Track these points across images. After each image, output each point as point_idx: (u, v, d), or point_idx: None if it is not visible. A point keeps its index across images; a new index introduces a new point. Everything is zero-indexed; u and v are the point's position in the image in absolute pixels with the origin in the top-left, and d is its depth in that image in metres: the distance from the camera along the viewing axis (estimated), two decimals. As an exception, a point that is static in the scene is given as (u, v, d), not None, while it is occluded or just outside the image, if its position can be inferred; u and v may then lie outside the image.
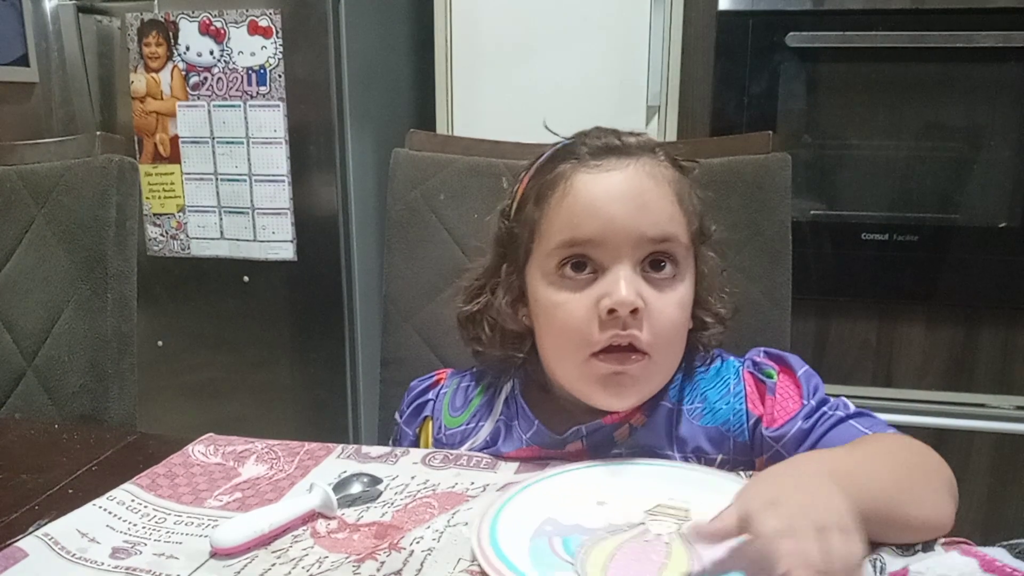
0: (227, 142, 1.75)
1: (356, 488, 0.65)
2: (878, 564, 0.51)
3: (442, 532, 0.57)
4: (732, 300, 0.75)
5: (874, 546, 0.52)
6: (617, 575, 0.53)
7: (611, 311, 0.63)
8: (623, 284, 0.63)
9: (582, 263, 0.66)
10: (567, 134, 0.73)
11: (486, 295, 0.74)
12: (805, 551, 0.45)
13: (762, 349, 0.74)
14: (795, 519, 0.46)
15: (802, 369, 0.70)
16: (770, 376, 0.70)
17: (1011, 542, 0.49)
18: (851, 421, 0.66)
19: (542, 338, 0.70)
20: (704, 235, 0.72)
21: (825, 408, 0.67)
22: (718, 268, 0.73)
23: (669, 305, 0.66)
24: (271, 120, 1.71)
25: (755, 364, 0.72)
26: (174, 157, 1.79)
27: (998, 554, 0.49)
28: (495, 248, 0.75)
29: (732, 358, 0.74)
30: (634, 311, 0.63)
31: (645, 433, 0.70)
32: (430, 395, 0.80)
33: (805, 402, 0.68)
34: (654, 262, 0.66)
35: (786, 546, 0.45)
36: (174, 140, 1.78)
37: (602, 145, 0.68)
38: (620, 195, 0.65)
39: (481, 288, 0.75)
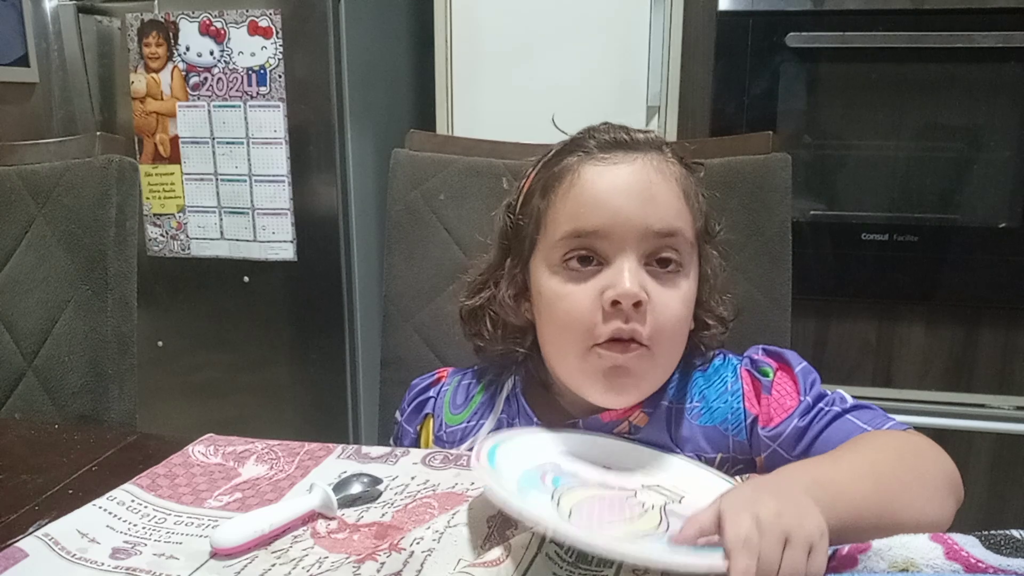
0: (227, 142, 1.75)
1: (356, 488, 0.65)
2: None
3: (442, 532, 0.57)
4: (734, 302, 0.75)
5: None
6: (585, 515, 0.56)
7: (614, 302, 0.63)
8: (627, 276, 0.63)
9: (587, 256, 0.66)
10: (569, 133, 0.73)
11: (489, 290, 0.74)
12: (766, 556, 0.46)
13: (761, 347, 0.73)
14: (766, 523, 0.47)
15: (800, 365, 0.70)
16: (766, 375, 0.70)
17: (986, 532, 0.50)
18: (848, 416, 0.66)
19: (544, 330, 0.70)
20: (709, 234, 0.72)
21: (821, 404, 0.67)
22: (721, 269, 0.73)
23: (673, 300, 0.66)
24: (271, 120, 1.71)
25: (753, 362, 0.72)
26: (174, 157, 1.79)
27: (969, 542, 0.49)
28: (499, 243, 0.75)
29: (729, 356, 0.74)
30: (637, 304, 0.63)
31: (646, 432, 0.70)
32: (431, 393, 0.80)
33: (802, 399, 0.67)
34: (659, 258, 0.66)
35: (743, 557, 0.46)
36: (174, 140, 1.78)
37: (610, 139, 0.68)
38: (627, 188, 0.65)
39: (484, 283, 0.75)
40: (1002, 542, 0.49)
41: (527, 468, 0.62)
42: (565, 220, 0.66)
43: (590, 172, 0.67)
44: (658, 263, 0.66)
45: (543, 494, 0.57)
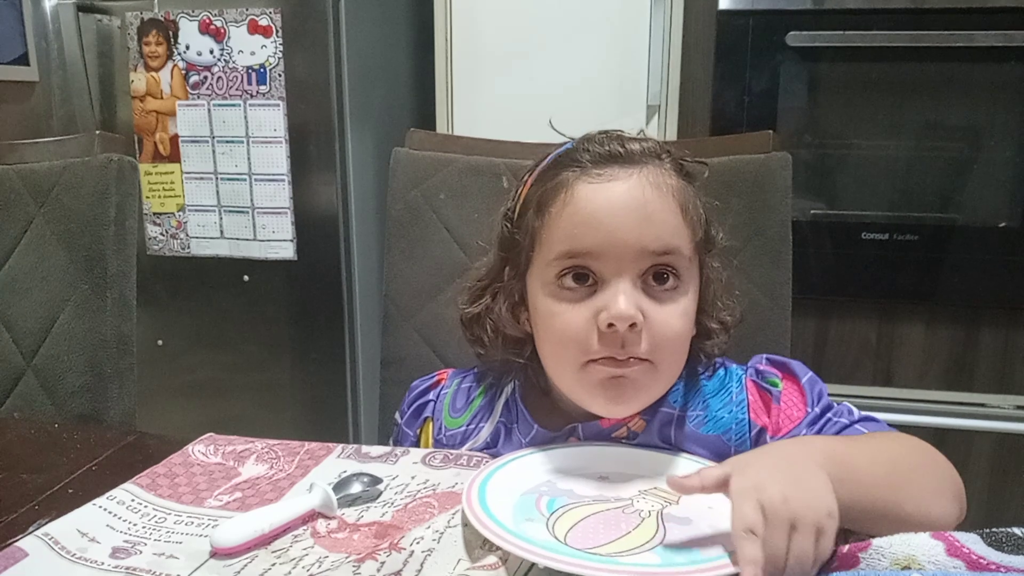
0: (227, 141, 1.75)
1: (356, 488, 0.64)
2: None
3: (442, 532, 0.57)
4: (739, 307, 0.74)
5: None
6: (581, 535, 0.56)
7: (610, 325, 0.62)
8: (622, 299, 0.62)
9: (582, 274, 0.65)
10: (567, 135, 0.72)
11: (488, 298, 0.74)
12: (772, 543, 0.47)
13: (764, 356, 0.73)
14: (771, 510, 0.48)
15: (806, 376, 0.69)
16: (775, 385, 0.70)
17: (988, 530, 0.50)
18: (856, 426, 0.66)
19: (541, 345, 0.70)
20: (710, 244, 0.71)
21: (830, 414, 0.67)
22: (723, 275, 0.73)
23: (671, 317, 0.65)
24: (271, 119, 1.71)
25: (758, 372, 0.71)
26: (174, 156, 1.79)
27: (970, 540, 0.49)
28: (498, 250, 0.74)
29: (733, 365, 0.74)
30: (632, 325, 0.62)
31: (644, 437, 0.70)
32: (430, 396, 0.80)
33: (809, 410, 0.67)
34: (656, 274, 0.65)
35: (749, 545, 0.47)
36: (174, 139, 1.78)
37: (605, 152, 0.66)
38: (622, 207, 0.64)
39: (483, 289, 0.75)
40: (1004, 540, 0.49)
41: (523, 493, 0.62)
42: (559, 240, 0.65)
43: (584, 190, 0.65)
44: (655, 279, 0.65)
45: (538, 524, 0.57)
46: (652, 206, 0.64)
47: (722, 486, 0.52)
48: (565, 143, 0.71)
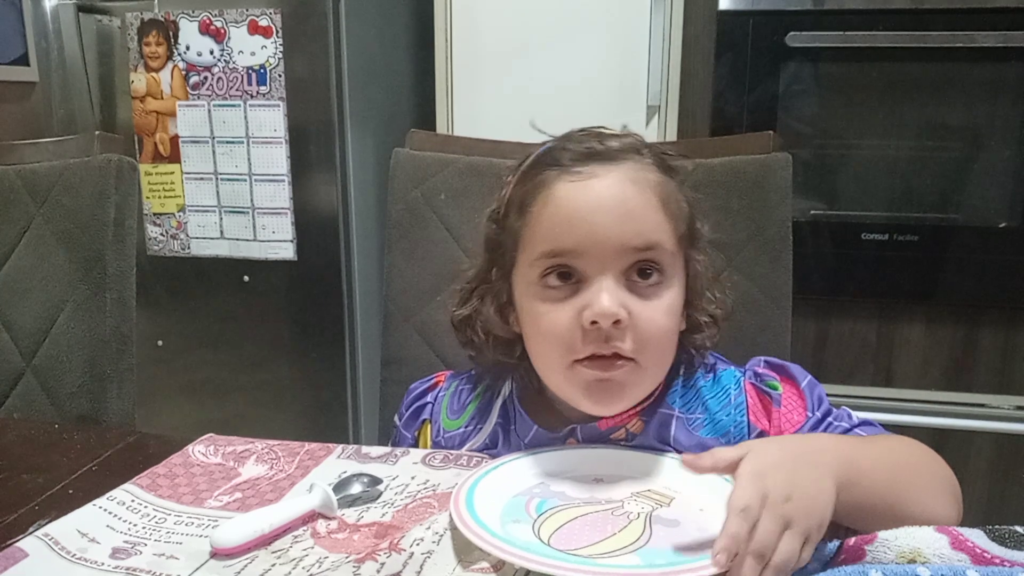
0: (227, 142, 1.75)
1: (356, 488, 0.64)
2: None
3: (442, 534, 0.57)
4: (730, 299, 0.74)
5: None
6: (565, 536, 0.56)
7: (593, 322, 0.62)
8: (605, 296, 0.62)
9: (566, 273, 0.65)
10: (551, 135, 0.72)
11: (475, 300, 0.74)
12: (763, 533, 0.47)
13: (762, 359, 0.73)
14: (771, 503, 0.48)
15: (805, 380, 0.69)
16: (775, 388, 0.69)
17: (991, 526, 0.50)
18: (856, 431, 0.66)
19: (529, 345, 0.70)
20: (693, 238, 0.70)
21: (830, 419, 0.67)
22: (710, 269, 0.72)
23: (656, 312, 0.65)
24: (271, 120, 1.71)
25: (757, 375, 0.71)
26: (174, 157, 1.79)
27: (974, 535, 0.49)
28: (484, 252, 0.74)
29: (731, 367, 0.74)
30: (616, 322, 0.62)
31: (643, 439, 0.70)
32: (428, 398, 0.80)
33: (810, 414, 0.67)
34: (639, 270, 0.65)
35: (739, 521, 0.47)
36: (174, 140, 1.78)
37: (584, 150, 0.66)
38: (602, 204, 0.64)
39: (472, 292, 0.75)
40: (1007, 536, 0.50)
41: (514, 495, 0.62)
42: (541, 240, 0.65)
43: (564, 188, 0.65)
44: (639, 275, 0.65)
45: (524, 526, 0.57)
46: (632, 202, 0.64)
47: (733, 468, 0.52)
48: (546, 142, 0.71)
